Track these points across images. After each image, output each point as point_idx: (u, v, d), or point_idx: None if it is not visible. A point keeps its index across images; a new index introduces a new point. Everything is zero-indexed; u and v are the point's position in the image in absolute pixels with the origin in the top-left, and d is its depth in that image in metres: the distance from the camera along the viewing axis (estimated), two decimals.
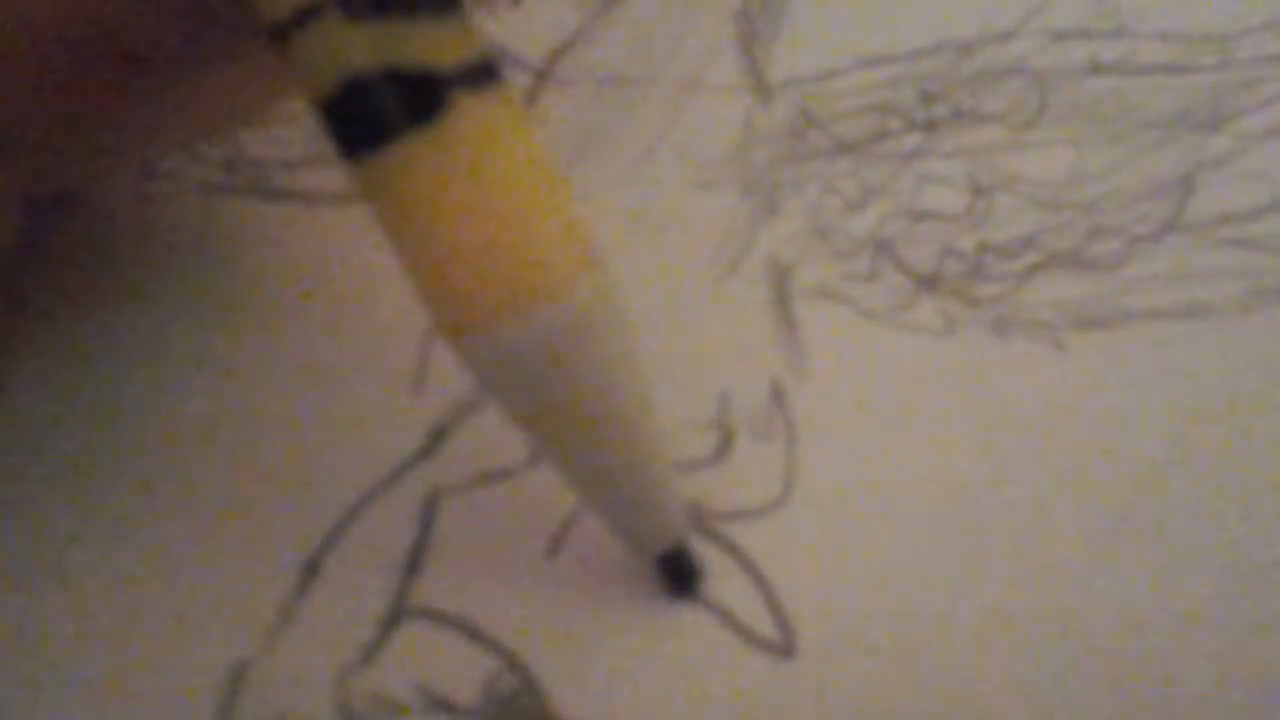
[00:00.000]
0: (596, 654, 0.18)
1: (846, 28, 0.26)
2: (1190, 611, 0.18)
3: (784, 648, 0.18)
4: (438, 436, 0.21)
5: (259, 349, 0.22)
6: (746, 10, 0.27)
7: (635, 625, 0.18)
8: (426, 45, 0.15)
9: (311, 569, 0.19)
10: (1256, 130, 0.24)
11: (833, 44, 0.26)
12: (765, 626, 0.18)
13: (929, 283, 0.22)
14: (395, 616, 0.19)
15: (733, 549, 0.19)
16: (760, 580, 0.19)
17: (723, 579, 0.19)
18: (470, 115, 0.15)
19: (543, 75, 0.26)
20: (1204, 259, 0.22)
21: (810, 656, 0.18)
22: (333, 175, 0.24)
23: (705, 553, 0.19)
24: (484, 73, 0.16)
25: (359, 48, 0.15)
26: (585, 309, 0.16)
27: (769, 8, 0.27)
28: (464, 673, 0.18)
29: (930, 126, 0.24)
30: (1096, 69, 0.25)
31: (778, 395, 0.21)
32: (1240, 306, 0.21)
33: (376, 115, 0.15)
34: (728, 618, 0.18)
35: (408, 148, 0.15)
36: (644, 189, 0.24)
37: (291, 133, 0.25)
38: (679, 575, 0.18)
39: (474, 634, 0.18)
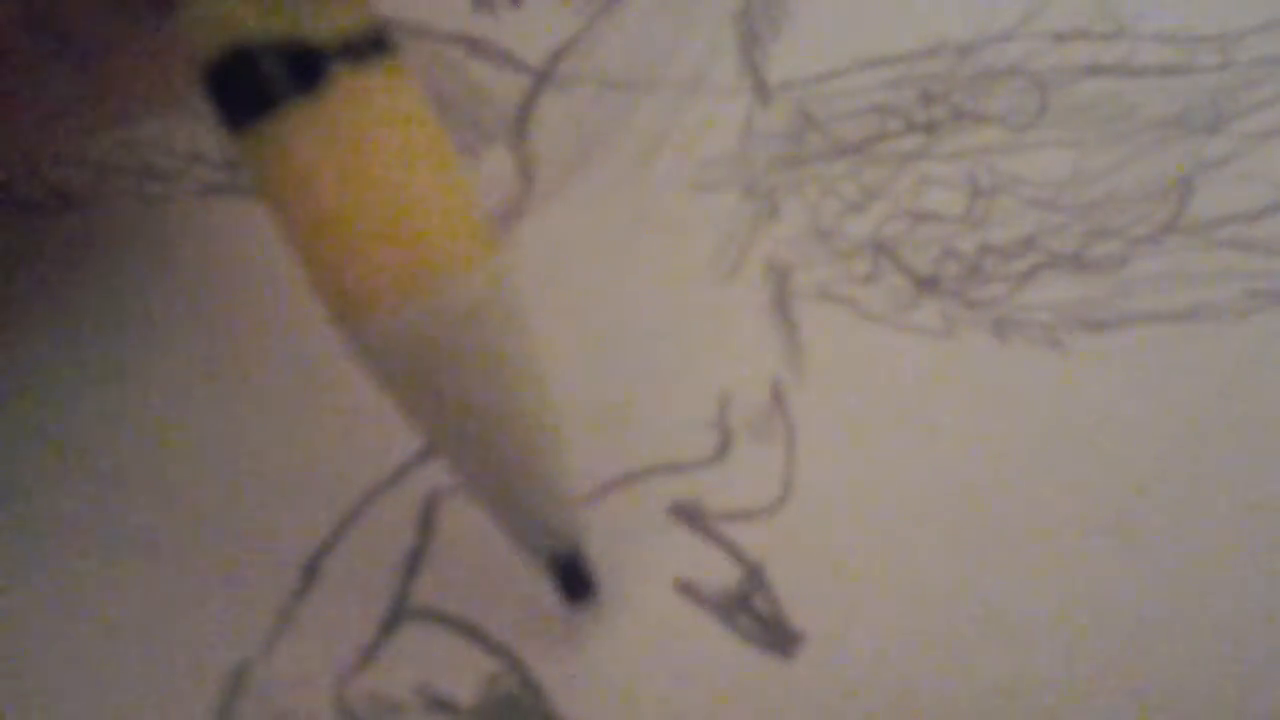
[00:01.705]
0: (596, 654, 0.18)
1: (846, 28, 0.26)
2: (1190, 611, 0.18)
3: (784, 648, 0.18)
4: None
5: (259, 349, 0.22)
6: (746, 11, 0.27)
7: (635, 625, 0.18)
8: (310, 16, 0.15)
9: (311, 570, 0.19)
10: (1256, 131, 0.24)
11: (832, 45, 0.26)
12: (765, 626, 0.18)
13: (929, 284, 0.22)
14: (395, 617, 0.19)
15: (733, 549, 0.19)
16: (760, 580, 0.19)
17: (722, 578, 0.19)
18: (352, 89, 0.15)
19: (542, 77, 0.26)
20: (1204, 260, 0.22)
21: (810, 657, 0.18)
22: None
23: (705, 552, 0.19)
24: (371, 46, 0.16)
25: (240, 17, 0.15)
26: (477, 295, 0.15)
27: (769, 8, 0.27)
28: (464, 673, 0.18)
29: (930, 128, 0.24)
30: (1096, 70, 0.25)
31: (778, 395, 0.21)
32: (1240, 308, 0.21)
33: (257, 85, 0.15)
34: (728, 618, 0.18)
35: (287, 120, 0.15)
36: (644, 190, 0.24)
37: None
38: (572, 581, 0.18)
39: (474, 634, 0.18)
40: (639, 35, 0.26)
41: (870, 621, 0.18)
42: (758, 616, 0.18)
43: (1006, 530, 0.19)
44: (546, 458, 0.17)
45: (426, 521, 0.20)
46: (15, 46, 0.16)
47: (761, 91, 0.25)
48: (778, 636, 0.18)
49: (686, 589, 0.19)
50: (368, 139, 0.15)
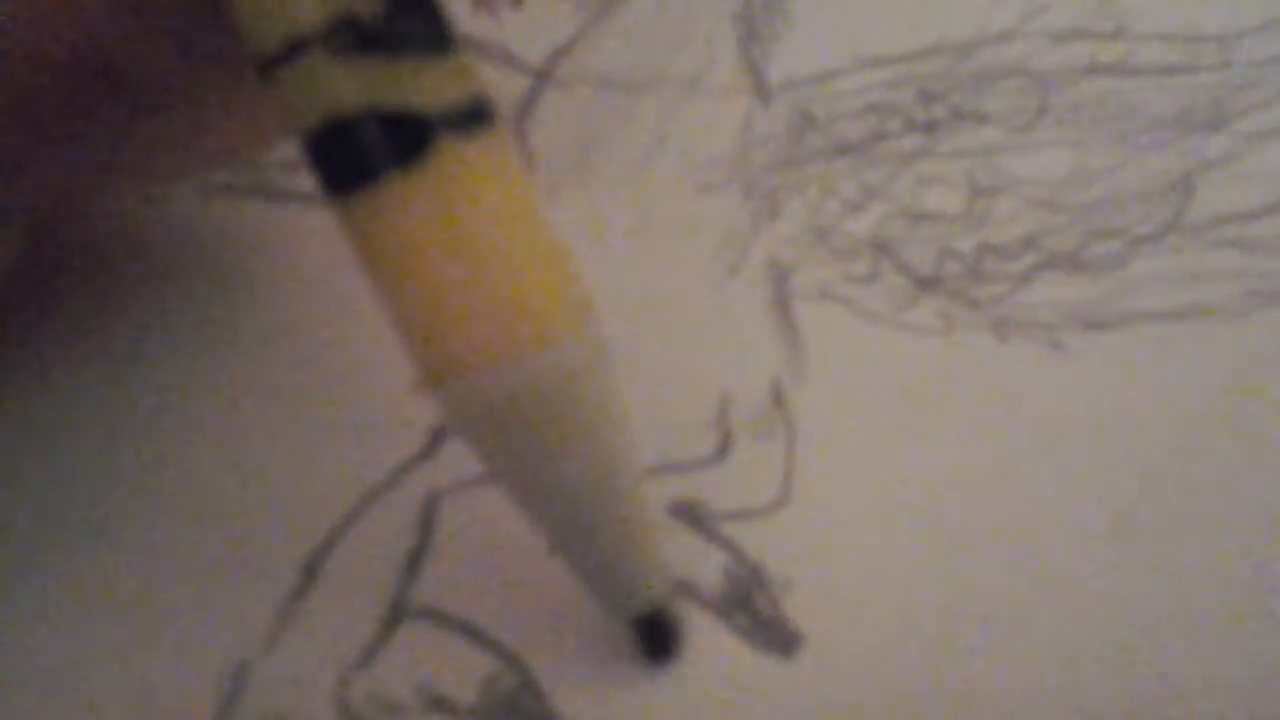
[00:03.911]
0: (596, 654, 0.18)
1: (846, 28, 0.26)
2: (1190, 611, 0.18)
3: (784, 648, 0.18)
4: (438, 437, 0.21)
5: (259, 349, 0.22)
6: (746, 11, 0.27)
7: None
8: (414, 86, 0.15)
9: (311, 570, 0.19)
10: (1256, 131, 0.24)
11: (832, 45, 0.26)
12: (765, 626, 0.18)
13: (928, 284, 0.22)
14: (395, 616, 0.19)
15: (733, 549, 0.19)
16: (760, 580, 0.19)
17: (722, 578, 0.19)
18: (456, 159, 0.15)
19: (542, 77, 0.26)
20: (1204, 260, 0.22)
21: (810, 657, 0.18)
22: None
23: (705, 552, 0.19)
24: (474, 116, 0.16)
25: (344, 86, 0.15)
26: (570, 361, 0.16)
27: (769, 8, 0.27)
28: (464, 673, 0.18)
29: (930, 127, 0.24)
30: (1096, 69, 0.25)
31: (778, 395, 0.21)
32: (1240, 307, 0.21)
33: (359, 155, 0.15)
34: (728, 618, 0.18)
35: (390, 190, 0.15)
36: (644, 190, 0.24)
37: None
38: (657, 639, 0.18)
39: (474, 634, 0.18)
40: (639, 35, 0.26)
41: (870, 621, 0.18)
42: (758, 616, 0.18)
43: (1006, 530, 0.19)
44: (636, 521, 0.17)
45: (426, 521, 0.20)
46: (69, 86, 0.16)
47: (761, 91, 0.25)
48: (778, 636, 0.18)
49: (686, 589, 0.19)
50: (468, 209, 0.15)
